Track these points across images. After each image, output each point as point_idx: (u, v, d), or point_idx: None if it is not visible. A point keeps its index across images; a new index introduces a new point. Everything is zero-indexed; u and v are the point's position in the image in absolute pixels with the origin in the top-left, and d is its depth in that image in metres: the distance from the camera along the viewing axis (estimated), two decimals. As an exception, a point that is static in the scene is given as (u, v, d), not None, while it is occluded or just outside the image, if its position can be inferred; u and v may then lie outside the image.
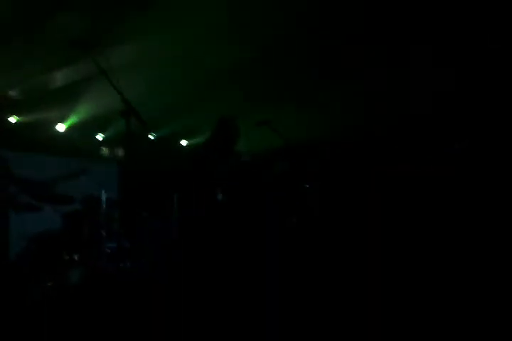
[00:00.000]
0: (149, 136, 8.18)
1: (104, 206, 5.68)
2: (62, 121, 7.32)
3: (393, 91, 6.37)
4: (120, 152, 8.14)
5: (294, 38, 5.52)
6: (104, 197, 5.68)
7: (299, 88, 6.62)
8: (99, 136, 7.98)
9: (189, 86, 6.44)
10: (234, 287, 3.59)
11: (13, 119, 6.95)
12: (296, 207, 4.32)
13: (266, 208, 4.05)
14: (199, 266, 3.85)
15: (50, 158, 7.14)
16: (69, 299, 4.30)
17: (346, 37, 5.47)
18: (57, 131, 7.38)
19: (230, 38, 5.38)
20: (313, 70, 6.22)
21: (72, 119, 7.29)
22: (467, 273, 3.21)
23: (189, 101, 6.97)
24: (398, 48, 5.60)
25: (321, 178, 4.64)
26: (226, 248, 3.86)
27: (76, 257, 5.04)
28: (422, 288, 3.08)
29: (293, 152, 4.57)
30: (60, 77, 6.13)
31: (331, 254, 3.78)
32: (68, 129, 7.41)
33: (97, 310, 3.88)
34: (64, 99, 6.76)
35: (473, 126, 5.72)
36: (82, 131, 7.59)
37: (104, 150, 8.00)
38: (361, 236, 3.75)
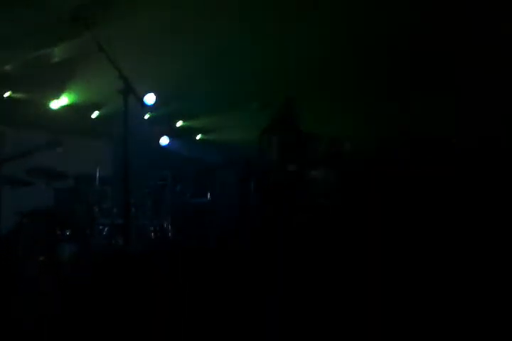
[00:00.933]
0: (146, 115, 8.16)
1: (98, 183, 5.71)
2: (57, 97, 7.27)
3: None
4: (116, 130, 8.09)
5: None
6: (98, 174, 5.71)
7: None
8: (95, 114, 7.94)
9: (191, 67, 6.38)
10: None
11: (7, 94, 6.91)
12: (301, 204, 4.32)
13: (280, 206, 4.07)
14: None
15: (44, 135, 7.11)
16: (61, 275, 4.33)
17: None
18: (52, 108, 7.34)
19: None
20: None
21: (68, 96, 7.25)
22: (467, 273, 3.22)
23: (189, 83, 6.92)
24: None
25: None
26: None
27: (68, 233, 5.07)
28: (422, 287, 3.08)
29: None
30: (57, 54, 6.08)
31: (332, 254, 3.79)
32: (63, 106, 7.37)
33: (89, 287, 3.91)
34: (60, 76, 6.71)
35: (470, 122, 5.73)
36: (77, 108, 7.55)
37: (100, 128, 7.95)
38: (362, 236, 3.75)
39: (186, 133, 9.34)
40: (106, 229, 5.59)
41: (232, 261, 3.85)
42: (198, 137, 9.68)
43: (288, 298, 3.18)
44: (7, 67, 6.54)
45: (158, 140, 8.89)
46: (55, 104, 7.29)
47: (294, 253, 3.81)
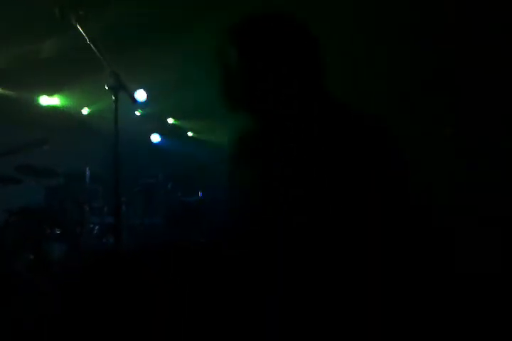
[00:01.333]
0: (137, 112, 8.10)
1: (89, 181, 5.65)
2: (47, 94, 7.18)
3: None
4: (107, 127, 8.01)
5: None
6: (88, 172, 5.64)
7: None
8: (85, 110, 7.86)
9: (182, 66, 6.34)
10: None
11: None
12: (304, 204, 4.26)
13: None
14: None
15: (32, 132, 7.02)
16: (51, 274, 4.28)
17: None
18: (42, 105, 7.25)
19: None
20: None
21: (58, 94, 7.18)
22: (468, 273, 3.21)
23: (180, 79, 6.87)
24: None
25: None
26: None
27: (58, 231, 5.01)
28: (425, 290, 3.05)
29: None
30: (47, 49, 6.00)
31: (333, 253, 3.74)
32: (53, 102, 7.28)
33: (80, 286, 3.86)
34: (50, 71, 6.63)
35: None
36: (67, 105, 7.46)
37: (90, 125, 7.87)
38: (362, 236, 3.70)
39: (178, 130, 9.28)
40: (96, 227, 5.54)
41: (228, 258, 3.81)
42: (190, 135, 9.63)
43: (288, 298, 3.13)
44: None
45: (149, 137, 8.83)
46: (45, 101, 7.20)
47: (295, 251, 3.77)
